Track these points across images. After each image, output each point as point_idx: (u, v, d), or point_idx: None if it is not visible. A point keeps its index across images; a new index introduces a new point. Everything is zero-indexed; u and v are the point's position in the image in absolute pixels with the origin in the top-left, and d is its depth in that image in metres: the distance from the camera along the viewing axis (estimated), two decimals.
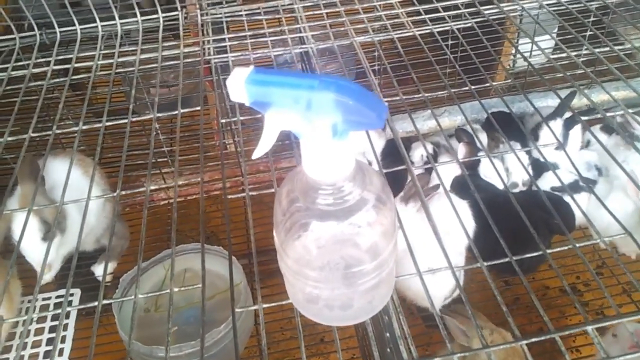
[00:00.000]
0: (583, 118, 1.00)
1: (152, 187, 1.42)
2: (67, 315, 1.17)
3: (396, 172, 0.89)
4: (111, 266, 1.32)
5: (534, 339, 0.55)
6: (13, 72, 1.05)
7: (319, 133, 0.45)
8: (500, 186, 1.30)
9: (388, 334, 0.68)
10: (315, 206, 0.50)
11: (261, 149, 0.48)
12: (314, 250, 0.53)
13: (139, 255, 0.70)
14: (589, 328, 0.55)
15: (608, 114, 0.98)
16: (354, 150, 0.49)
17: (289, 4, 1.19)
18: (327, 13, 1.16)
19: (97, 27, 1.14)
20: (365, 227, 0.52)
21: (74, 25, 1.15)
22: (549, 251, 0.67)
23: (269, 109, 0.46)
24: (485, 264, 0.66)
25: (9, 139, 0.89)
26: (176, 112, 0.92)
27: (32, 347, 1.10)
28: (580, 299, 1.63)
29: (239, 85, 0.45)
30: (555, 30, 1.57)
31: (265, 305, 0.63)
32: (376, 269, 0.54)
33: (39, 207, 0.83)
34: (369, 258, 0.54)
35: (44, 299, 1.23)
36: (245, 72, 0.46)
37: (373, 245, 0.54)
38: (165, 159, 1.59)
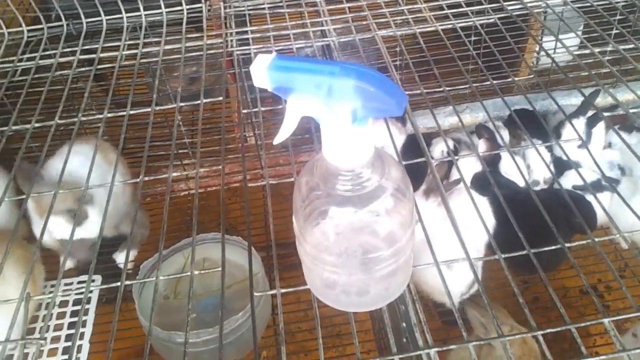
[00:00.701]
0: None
1: (174, 175, 1.44)
2: (88, 301, 1.20)
3: (416, 166, 0.89)
4: (132, 254, 1.35)
5: (549, 330, 0.55)
6: (41, 61, 1.07)
7: (339, 119, 0.46)
8: (521, 183, 1.29)
9: (404, 324, 0.69)
10: (334, 192, 0.51)
11: (282, 135, 0.49)
12: (332, 236, 0.54)
13: (160, 238, 0.71)
14: (606, 321, 0.55)
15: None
16: (374, 138, 0.50)
17: None
18: (349, 7, 1.17)
19: (122, 18, 1.16)
20: (383, 214, 0.52)
21: (99, 16, 1.17)
22: (567, 245, 0.66)
23: (290, 94, 0.47)
24: (503, 255, 0.66)
25: (36, 125, 0.91)
26: (198, 102, 0.93)
27: (54, 330, 1.12)
28: (600, 301, 1.61)
29: (262, 71, 0.46)
30: (581, 28, 1.55)
31: (283, 290, 0.64)
32: (393, 255, 0.55)
33: (64, 191, 0.84)
34: (386, 245, 0.55)
35: (65, 284, 1.25)
36: (268, 58, 0.47)
37: (390, 232, 0.54)
38: (187, 150, 1.61)
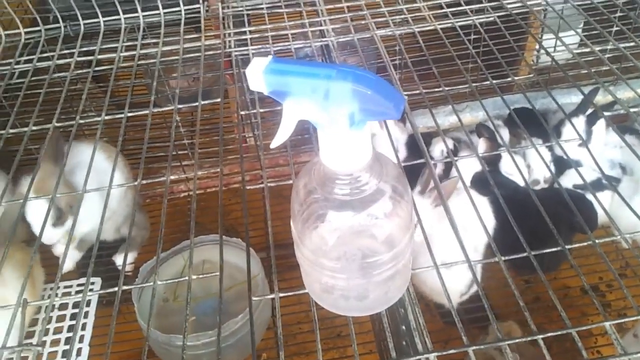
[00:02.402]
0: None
1: (172, 177, 1.44)
2: (88, 303, 1.19)
3: (417, 166, 0.88)
4: (131, 256, 1.34)
5: (550, 334, 0.54)
6: (38, 64, 1.07)
7: (337, 122, 0.45)
8: (521, 183, 1.28)
9: (404, 327, 0.68)
10: (333, 196, 0.50)
11: (279, 139, 0.48)
12: (331, 241, 0.53)
13: (158, 242, 0.71)
14: (607, 324, 0.54)
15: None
16: (371, 141, 0.49)
17: None
18: (348, 6, 1.16)
19: (120, 19, 1.16)
20: (381, 218, 0.52)
21: (97, 17, 1.16)
22: (568, 247, 0.66)
23: (287, 98, 0.46)
24: (503, 258, 0.66)
25: (34, 128, 0.91)
26: (196, 103, 0.93)
27: (53, 334, 1.12)
28: (602, 300, 1.60)
29: (258, 75, 0.46)
30: (581, 25, 1.54)
31: (281, 295, 0.64)
32: (392, 259, 0.54)
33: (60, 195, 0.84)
34: (385, 249, 0.54)
35: (65, 287, 1.25)
36: (264, 61, 0.46)
37: (389, 236, 0.54)
38: (186, 152, 1.61)
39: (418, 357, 0.55)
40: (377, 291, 0.57)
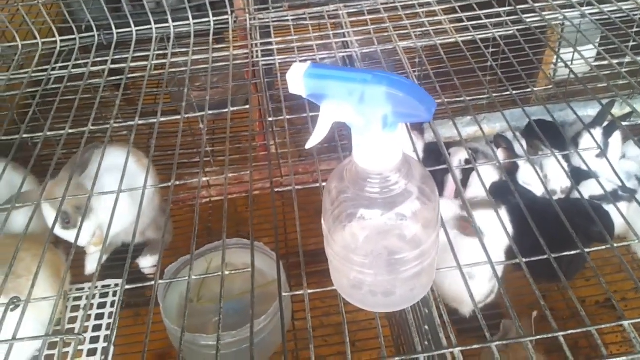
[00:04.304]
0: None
1: (194, 180, 1.47)
2: (112, 304, 1.22)
3: (434, 173, 0.91)
4: (155, 259, 1.38)
5: (570, 331, 0.57)
6: (73, 70, 1.11)
7: (370, 124, 0.48)
8: (539, 193, 1.30)
9: (427, 326, 0.71)
10: (363, 194, 0.53)
11: (315, 139, 0.51)
12: (360, 238, 0.56)
13: (192, 239, 0.74)
14: (626, 323, 0.57)
15: None
16: (402, 143, 0.52)
17: (333, 10, 1.23)
18: (370, 19, 1.20)
19: (151, 29, 1.20)
20: (409, 217, 0.55)
21: (129, 27, 1.21)
22: (587, 250, 0.68)
23: (324, 100, 0.49)
24: (525, 260, 0.68)
25: (70, 131, 0.95)
26: (223, 110, 0.97)
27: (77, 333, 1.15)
28: (616, 313, 1.60)
29: (298, 79, 0.49)
30: (598, 39, 1.57)
31: (310, 291, 0.67)
32: (418, 257, 0.57)
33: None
34: (411, 247, 0.57)
35: (89, 288, 1.28)
36: (304, 66, 0.49)
37: (416, 235, 0.56)
38: (208, 159, 1.64)
39: (443, 352, 0.57)
40: (404, 288, 0.59)
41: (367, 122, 0.49)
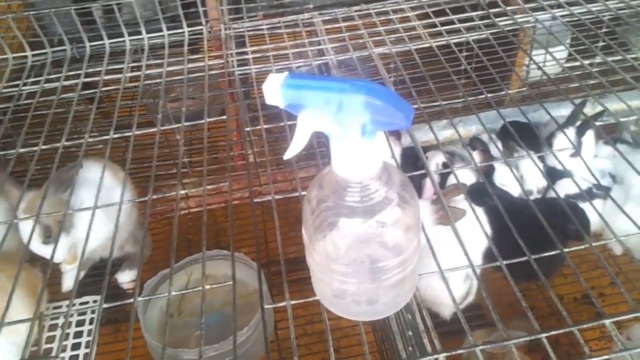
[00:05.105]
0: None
1: (172, 193, 1.46)
2: (91, 321, 1.20)
3: (412, 178, 0.91)
4: (134, 273, 1.36)
5: (553, 332, 0.57)
6: (46, 85, 1.09)
7: (349, 133, 0.48)
8: (515, 194, 1.32)
9: (410, 332, 0.71)
10: (343, 203, 0.53)
11: (293, 149, 0.51)
12: (342, 247, 0.56)
13: (171, 254, 0.73)
14: (607, 322, 0.57)
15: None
16: (381, 151, 0.52)
17: (308, 18, 1.23)
18: (345, 26, 1.20)
19: (124, 41, 1.19)
20: (390, 224, 0.55)
21: (102, 40, 1.19)
22: (565, 250, 0.69)
23: (302, 110, 0.49)
24: (505, 262, 0.69)
25: (44, 147, 0.93)
26: (199, 121, 0.96)
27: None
28: (594, 308, 1.63)
29: (275, 90, 0.49)
30: (568, 41, 1.59)
31: (293, 302, 0.66)
32: (400, 264, 0.57)
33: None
34: (393, 255, 0.57)
35: (66, 306, 1.26)
36: (280, 77, 0.49)
37: (397, 242, 0.56)
38: (186, 170, 1.63)
39: (428, 358, 0.57)
40: (387, 295, 0.59)
41: (346, 131, 0.48)
